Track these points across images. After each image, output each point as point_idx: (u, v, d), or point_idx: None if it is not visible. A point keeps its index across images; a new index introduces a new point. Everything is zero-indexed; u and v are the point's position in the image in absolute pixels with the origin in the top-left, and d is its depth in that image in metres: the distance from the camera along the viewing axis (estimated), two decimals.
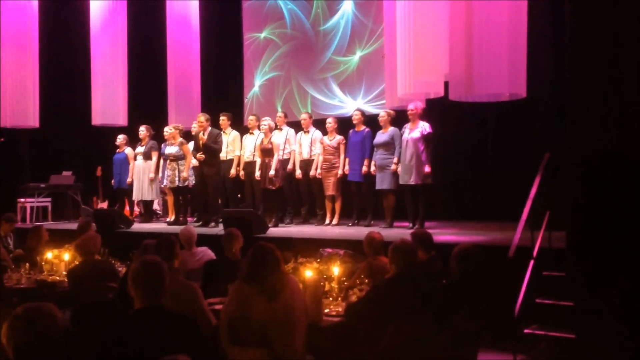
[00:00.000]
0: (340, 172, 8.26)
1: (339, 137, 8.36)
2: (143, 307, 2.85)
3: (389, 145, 7.74)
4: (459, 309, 3.64)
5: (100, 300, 4.42)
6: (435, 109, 8.13)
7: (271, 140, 8.52)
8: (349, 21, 10.44)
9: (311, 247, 5.91)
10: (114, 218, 8.73)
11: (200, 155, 8.52)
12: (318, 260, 4.85)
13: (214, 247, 5.82)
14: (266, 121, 8.68)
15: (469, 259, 4.18)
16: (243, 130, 9.47)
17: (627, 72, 4.24)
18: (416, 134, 7.37)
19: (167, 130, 9.20)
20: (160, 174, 9.45)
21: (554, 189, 5.73)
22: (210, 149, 8.52)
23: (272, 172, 8.37)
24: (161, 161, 9.48)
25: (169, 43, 9.89)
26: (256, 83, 11.61)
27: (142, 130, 9.65)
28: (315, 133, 8.68)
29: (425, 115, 7.50)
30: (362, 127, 8.18)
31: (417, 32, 6.28)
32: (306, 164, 8.63)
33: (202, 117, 8.64)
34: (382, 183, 7.76)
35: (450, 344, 3.49)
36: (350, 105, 10.19)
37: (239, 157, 9.09)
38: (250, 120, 9.23)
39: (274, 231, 7.73)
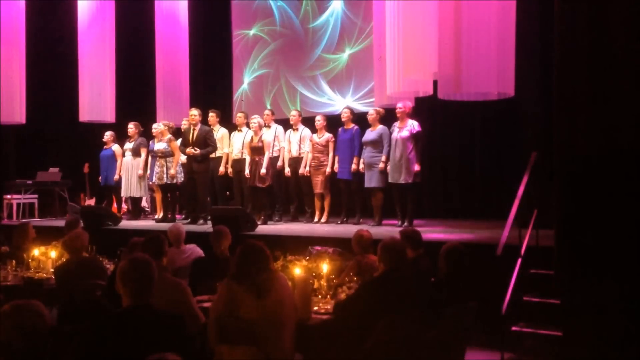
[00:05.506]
0: (328, 170, 8.27)
1: (328, 135, 8.37)
2: (131, 305, 2.84)
3: (378, 143, 7.75)
4: (447, 307, 3.66)
5: (88, 298, 4.39)
6: (424, 108, 8.15)
7: (261, 139, 8.49)
8: (338, 19, 10.44)
9: (300, 245, 5.90)
10: (102, 215, 8.68)
11: (189, 150, 8.47)
12: (307, 258, 4.86)
13: (202, 244, 5.81)
14: (256, 119, 8.65)
15: (457, 257, 4.21)
16: (232, 127, 9.46)
17: (615, 72, 4.27)
18: (405, 132, 7.39)
19: (156, 127, 9.16)
20: (148, 171, 9.42)
21: (541, 188, 5.77)
22: (205, 155, 8.50)
23: (263, 171, 8.35)
24: (149, 158, 9.45)
25: (158, 39, 9.83)
26: (245, 80, 11.59)
27: (131, 127, 9.60)
28: (304, 131, 8.68)
29: (414, 114, 7.53)
30: (352, 125, 8.19)
31: (406, 31, 6.29)
32: (295, 162, 8.63)
33: (196, 112, 8.60)
34: (371, 181, 7.78)
35: (438, 342, 3.51)
36: (339, 103, 10.20)
37: (228, 155, 9.07)
38: (238, 117, 9.22)
39: (262, 229, 7.72)
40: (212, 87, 11.90)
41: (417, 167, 7.36)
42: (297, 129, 8.73)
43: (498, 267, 5.01)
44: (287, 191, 8.93)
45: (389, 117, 7.86)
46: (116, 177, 9.70)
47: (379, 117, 7.87)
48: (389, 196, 7.75)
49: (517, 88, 5.96)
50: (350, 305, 3.73)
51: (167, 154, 8.92)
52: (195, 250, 5.73)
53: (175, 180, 8.91)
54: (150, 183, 9.46)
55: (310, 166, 8.41)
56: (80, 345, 2.85)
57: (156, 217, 9.37)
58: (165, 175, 8.90)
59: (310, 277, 4.11)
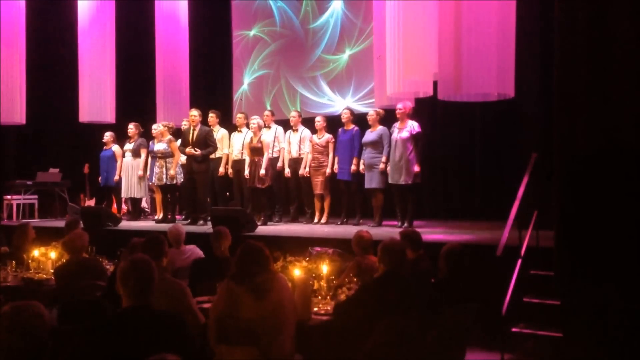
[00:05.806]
0: (328, 170, 8.26)
1: (328, 136, 8.36)
2: (131, 305, 2.84)
3: (378, 144, 7.75)
4: (447, 308, 3.66)
5: (88, 299, 4.39)
6: (424, 109, 8.15)
7: (261, 139, 8.49)
8: (338, 20, 10.45)
9: (300, 246, 5.91)
10: (102, 216, 8.68)
11: (189, 149, 8.47)
12: (307, 258, 4.85)
13: (202, 245, 5.81)
14: (255, 120, 8.65)
15: (457, 257, 4.20)
16: (232, 128, 9.46)
17: (615, 72, 4.27)
18: (405, 133, 7.39)
19: (155, 128, 9.17)
20: (148, 172, 9.42)
21: (541, 189, 5.77)
22: (205, 155, 8.49)
23: (262, 172, 8.35)
24: (149, 159, 9.45)
25: (158, 40, 9.82)
26: (245, 81, 11.59)
27: (131, 128, 9.60)
28: (304, 131, 8.68)
29: (414, 115, 7.53)
30: (351, 126, 8.19)
31: (406, 32, 6.29)
32: (295, 163, 8.63)
33: (196, 112, 8.60)
34: (371, 182, 7.77)
35: (438, 343, 3.51)
36: (339, 103, 10.20)
37: (228, 156, 9.08)
38: (238, 118, 9.22)
39: (262, 229, 7.72)
40: (212, 88, 11.90)
41: (417, 168, 7.35)
42: (297, 130, 8.73)
43: (498, 268, 5.01)
44: (287, 192, 8.93)
45: (389, 117, 7.85)
46: (116, 177, 9.70)
47: (379, 118, 7.87)
48: (389, 197, 7.75)
49: (517, 88, 5.96)
50: (350, 306, 3.73)
51: (167, 155, 8.92)
52: (195, 251, 5.73)
53: (174, 181, 8.91)
54: (150, 184, 9.46)
55: (310, 167, 8.41)
56: (80, 346, 2.84)
57: (156, 217, 9.37)
58: (164, 176, 8.90)
59: (310, 278, 4.10)
